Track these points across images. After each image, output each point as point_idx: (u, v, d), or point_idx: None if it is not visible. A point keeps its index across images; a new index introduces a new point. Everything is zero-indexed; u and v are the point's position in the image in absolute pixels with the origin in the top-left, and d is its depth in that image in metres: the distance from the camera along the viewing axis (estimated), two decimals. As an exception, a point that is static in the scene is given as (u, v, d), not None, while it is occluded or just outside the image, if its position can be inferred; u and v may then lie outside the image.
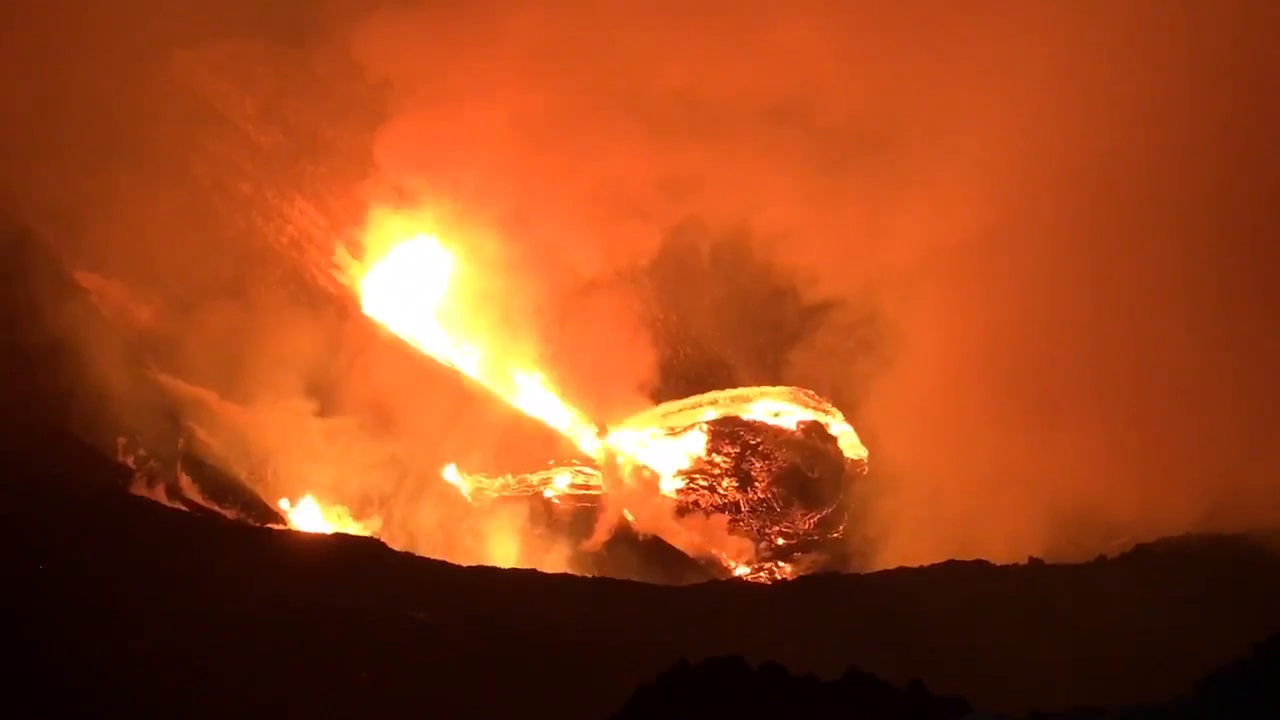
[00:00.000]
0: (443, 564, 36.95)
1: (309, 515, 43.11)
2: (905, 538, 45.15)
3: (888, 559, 42.31)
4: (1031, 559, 37.13)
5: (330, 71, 51.11)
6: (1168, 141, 47.64)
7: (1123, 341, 47.61)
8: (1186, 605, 32.12)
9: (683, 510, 48.77)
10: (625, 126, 50.65)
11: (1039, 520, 43.33)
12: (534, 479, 47.36)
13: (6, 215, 44.35)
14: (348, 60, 50.30)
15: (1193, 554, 35.87)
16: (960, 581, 35.44)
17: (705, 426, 51.05)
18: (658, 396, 51.76)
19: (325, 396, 44.52)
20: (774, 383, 51.92)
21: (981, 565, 36.30)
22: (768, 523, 49.01)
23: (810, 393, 51.06)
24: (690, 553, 46.76)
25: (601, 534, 46.04)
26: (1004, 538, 42.36)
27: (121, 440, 40.52)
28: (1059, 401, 47.13)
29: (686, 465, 50.29)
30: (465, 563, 38.38)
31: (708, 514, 48.88)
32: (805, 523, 49.03)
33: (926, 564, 36.56)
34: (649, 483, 49.23)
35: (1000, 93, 49.56)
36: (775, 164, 50.32)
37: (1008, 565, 36.38)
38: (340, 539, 39.50)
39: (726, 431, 50.84)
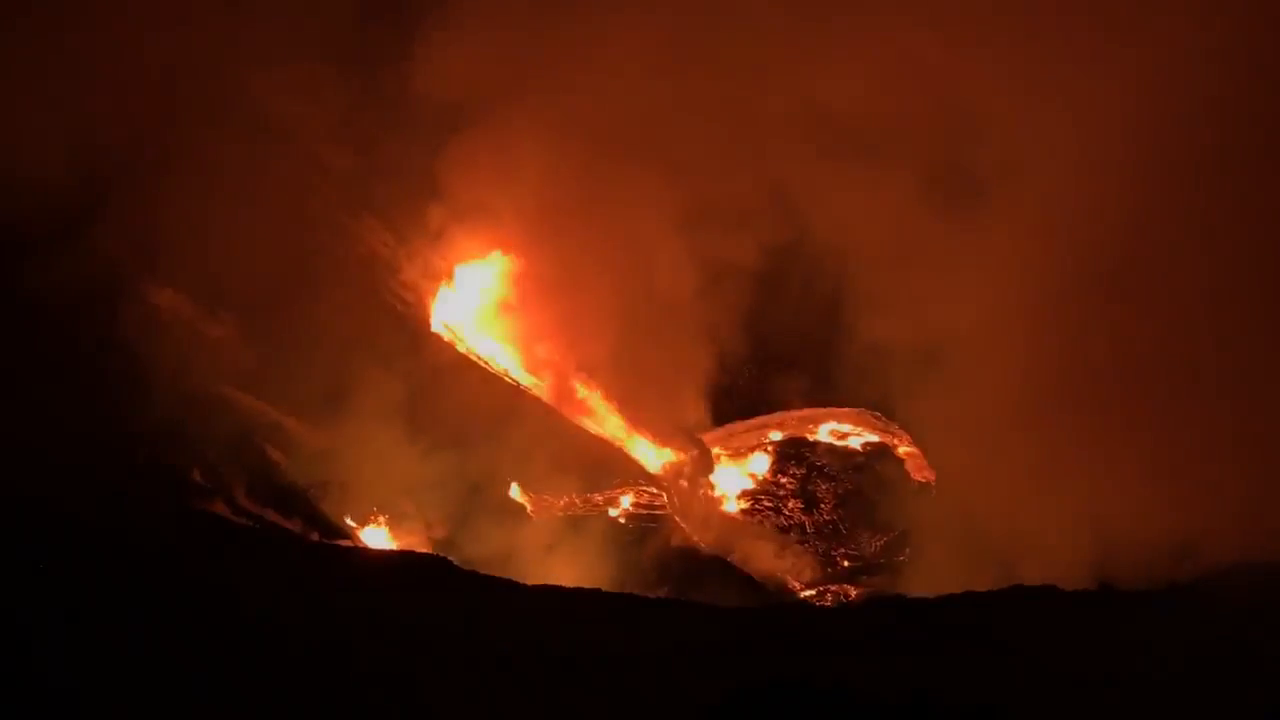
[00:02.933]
0: (508, 582, 37.07)
1: (376, 532, 43.41)
2: (961, 561, 45.02)
3: (946, 583, 41.98)
4: (1101, 584, 36.78)
5: (399, 90, 51.41)
6: (1258, 159, 47.17)
7: (1194, 362, 47.08)
8: (1264, 635, 31.70)
9: (745, 530, 48.69)
10: (717, 139, 50.73)
11: (1098, 545, 42.99)
12: (599, 497, 47.38)
13: (77, 232, 45.13)
14: (417, 79, 50.56)
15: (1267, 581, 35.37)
16: (1027, 606, 35.13)
17: (770, 448, 50.93)
18: (722, 417, 51.76)
19: (393, 414, 44.80)
20: (839, 404, 51.76)
21: (1050, 590, 35.99)
22: (833, 545, 48.83)
23: (877, 414, 50.88)
24: (755, 575, 46.65)
25: (663, 552, 46.05)
26: (1060, 563, 42.13)
27: (192, 456, 41.04)
28: (1121, 424, 46.75)
29: (751, 486, 50.19)
30: (530, 581, 38.46)
31: (770, 533, 48.74)
32: (871, 545, 48.81)
33: (996, 588, 36.30)
34: (713, 501, 49.25)
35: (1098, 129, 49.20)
36: (875, 192, 50.16)
37: (1077, 591, 36.06)
38: (407, 556, 39.80)
39: (792, 453, 50.71)
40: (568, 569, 44.32)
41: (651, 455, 50.00)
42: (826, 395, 52.14)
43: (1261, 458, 44.03)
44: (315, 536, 40.79)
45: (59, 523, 31.80)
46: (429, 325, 49.98)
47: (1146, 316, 47.89)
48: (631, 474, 48.32)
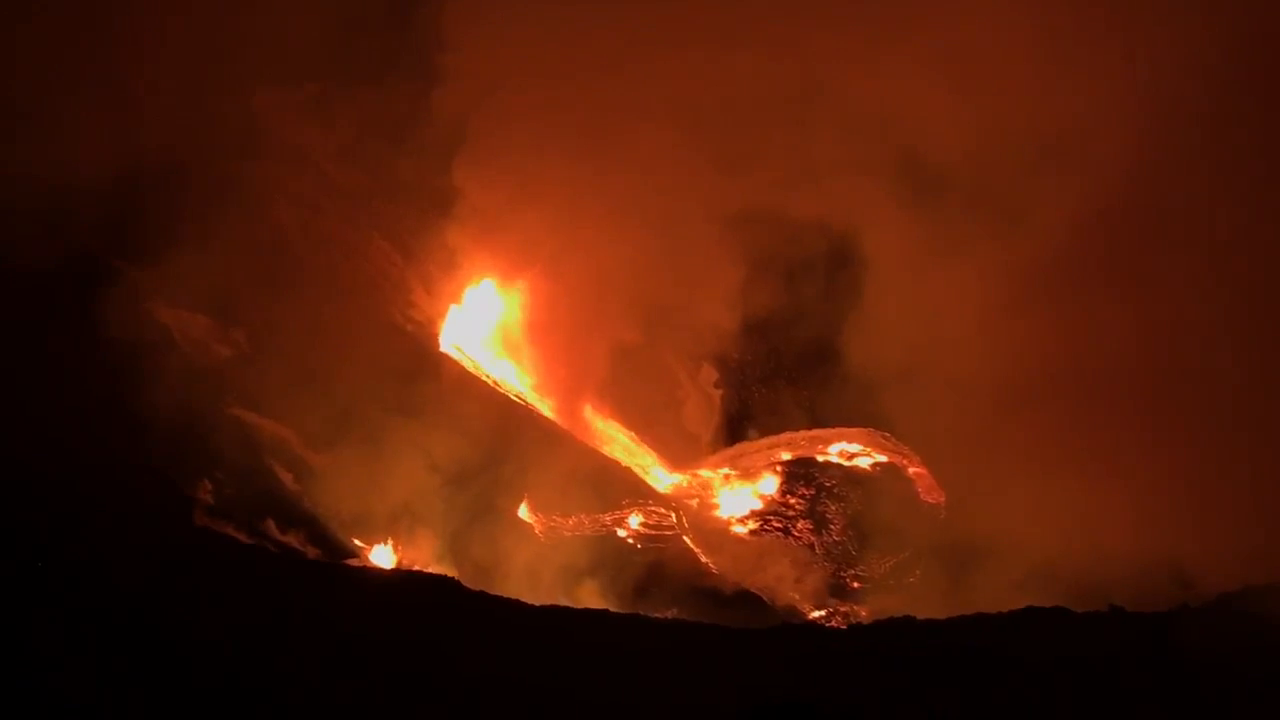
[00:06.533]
0: (516, 603, 37.02)
1: (384, 552, 43.36)
2: (968, 581, 45.03)
3: (955, 604, 41.93)
4: (1111, 606, 36.61)
5: (410, 112, 51.56)
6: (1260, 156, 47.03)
7: (1192, 373, 46.91)
8: (1269, 653, 31.60)
9: (754, 551, 48.56)
10: (745, 150, 50.61)
11: (1098, 565, 42.84)
12: (607, 518, 47.28)
13: (89, 251, 45.27)
14: (427, 100, 50.66)
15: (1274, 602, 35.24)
16: (1039, 627, 35.01)
17: (779, 468, 50.80)
18: (731, 438, 51.73)
19: (402, 434, 44.78)
20: (845, 423, 51.65)
21: (1061, 611, 35.86)
22: (842, 566, 48.69)
23: (887, 434, 50.72)
24: (764, 596, 46.53)
25: (671, 572, 45.99)
26: (1059, 583, 42.04)
27: (200, 475, 41.04)
28: (1118, 442, 46.60)
29: (760, 507, 50.06)
30: (538, 602, 38.38)
31: (780, 554, 48.61)
32: (881, 566, 48.64)
33: (1006, 610, 36.17)
34: (722, 521, 49.17)
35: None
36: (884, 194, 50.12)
37: (1088, 613, 35.91)
38: (415, 576, 39.76)
39: (801, 473, 50.59)
40: (576, 589, 44.29)
41: (660, 475, 49.97)
42: (831, 413, 51.96)
43: (1264, 475, 43.97)
44: (323, 556, 40.75)
45: (62, 539, 31.83)
46: (438, 346, 49.94)
47: (1139, 325, 47.87)
48: (640, 494, 48.18)
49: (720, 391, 52.46)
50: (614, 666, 32.04)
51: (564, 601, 41.62)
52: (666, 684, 31.37)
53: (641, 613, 41.78)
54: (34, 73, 46.99)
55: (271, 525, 40.86)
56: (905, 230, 50.54)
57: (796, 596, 47.15)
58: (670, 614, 43.03)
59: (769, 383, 53.79)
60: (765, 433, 51.70)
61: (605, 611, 39.59)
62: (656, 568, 45.95)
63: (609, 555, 45.95)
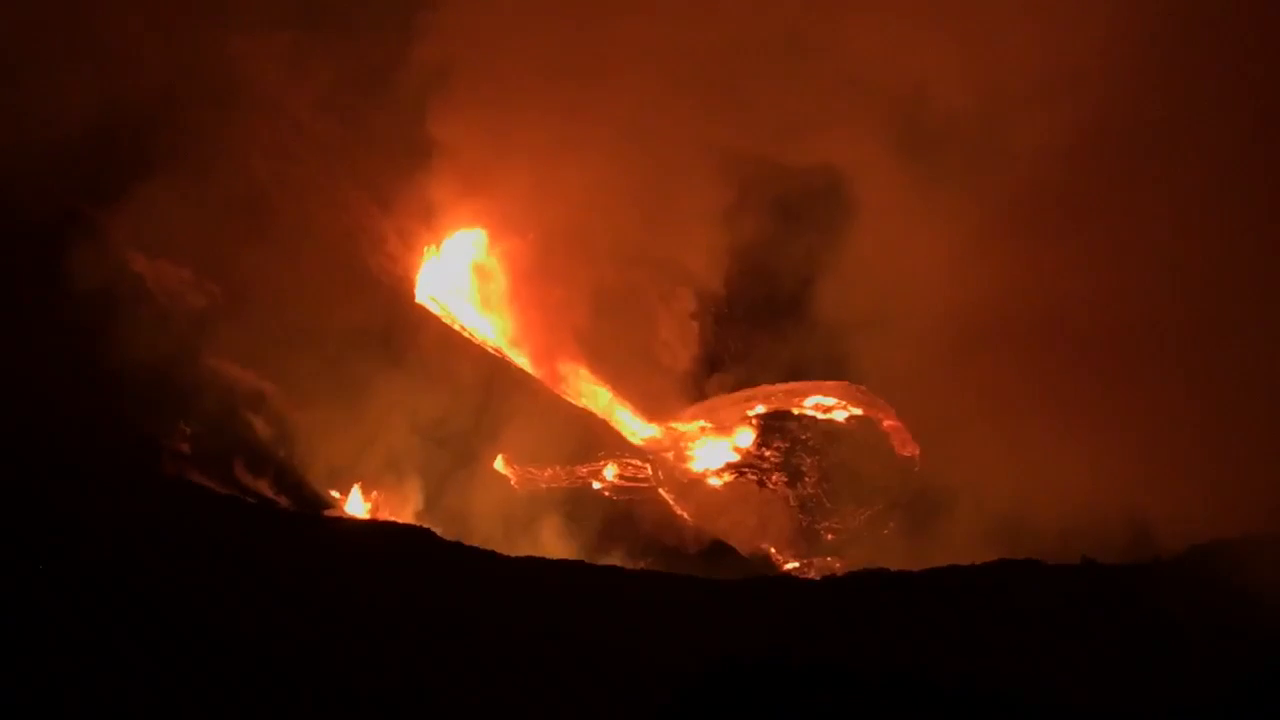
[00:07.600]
0: (491, 554, 37.05)
1: (359, 503, 43.37)
2: (943, 534, 45.26)
3: (930, 556, 42.08)
4: (1084, 558, 36.80)
5: (387, 61, 51.18)
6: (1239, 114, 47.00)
7: (1175, 329, 47.00)
8: (1238, 607, 31.78)
9: (729, 503, 48.68)
10: (720, 107, 50.44)
11: (1077, 520, 43.03)
12: (583, 470, 47.32)
13: (62, 199, 44.97)
14: (404, 50, 50.30)
15: (1245, 556, 35.40)
16: (1012, 580, 35.17)
17: (754, 421, 50.84)
18: (706, 390, 51.72)
19: (378, 386, 44.73)
20: (824, 377, 51.69)
21: (1033, 564, 36.04)
22: (817, 518, 48.83)
23: (862, 388, 50.78)
24: (739, 548, 46.69)
25: (646, 523, 46.11)
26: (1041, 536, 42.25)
27: (175, 425, 40.96)
28: (1084, 395, 46.76)
29: (735, 460, 50.13)
30: (513, 553, 38.43)
31: (754, 506, 48.73)
32: (855, 519, 48.81)
33: (980, 562, 36.35)
34: (697, 475, 49.23)
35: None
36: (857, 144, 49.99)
37: (1061, 565, 36.11)
38: (390, 527, 39.78)
39: (776, 426, 50.63)
40: (551, 540, 44.36)
41: (636, 427, 49.98)
42: (806, 364, 51.96)
43: (1227, 430, 44.17)
44: (298, 506, 40.73)
45: (33, 489, 31.73)
46: (414, 297, 49.80)
47: (1107, 278, 47.94)
48: (616, 446, 48.27)
49: (696, 324, 52.39)
50: (587, 617, 32.09)
51: (538, 552, 41.72)
52: (640, 634, 31.43)
53: (616, 564, 41.95)
54: (5, 21, 46.50)
55: (246, 475, 40.87)
56: (882, 180, 50.55)
57: (766, 546, 47.35)
58: (644, 565, 43.20)
59: (745, 333, 53.75)
60: (740, 382, 51.79)
61: (579, 562, 39.69)
62: (626, 518, 46.17)
63: (577, 504, 46.18)
